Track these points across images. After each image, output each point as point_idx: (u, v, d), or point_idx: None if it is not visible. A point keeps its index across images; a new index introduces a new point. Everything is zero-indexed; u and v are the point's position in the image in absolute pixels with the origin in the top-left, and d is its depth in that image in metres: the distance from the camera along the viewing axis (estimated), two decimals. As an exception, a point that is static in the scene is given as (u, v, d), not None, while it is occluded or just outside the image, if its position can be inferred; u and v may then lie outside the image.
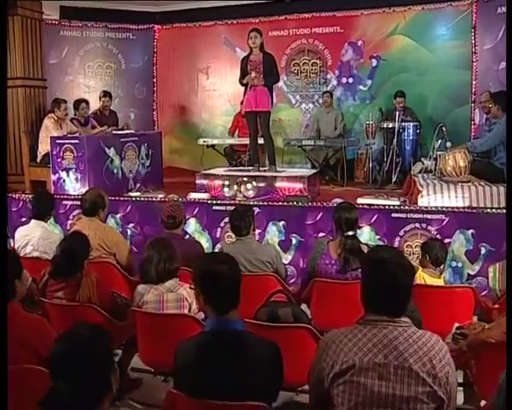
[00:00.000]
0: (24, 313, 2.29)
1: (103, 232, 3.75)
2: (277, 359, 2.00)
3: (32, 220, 4.05)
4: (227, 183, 5.63)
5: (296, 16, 8.01)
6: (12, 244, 6.08)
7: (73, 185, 6.13)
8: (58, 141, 6.19)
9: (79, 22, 8.05)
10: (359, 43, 7.83)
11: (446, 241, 4.85)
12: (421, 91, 7.52)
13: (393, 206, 4.96)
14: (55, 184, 6.22)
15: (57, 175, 6.20)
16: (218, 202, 5.29)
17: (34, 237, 3.89)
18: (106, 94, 7.39)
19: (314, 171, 6.41)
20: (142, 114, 8.60)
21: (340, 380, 1.80)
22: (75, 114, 7.00)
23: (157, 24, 8.62)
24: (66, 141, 6.16)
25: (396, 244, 4.82)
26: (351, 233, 3.51)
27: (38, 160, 6.62)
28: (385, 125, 6.97)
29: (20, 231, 3.89)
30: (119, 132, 6.85)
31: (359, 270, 3.56)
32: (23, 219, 6.04)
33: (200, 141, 7.51)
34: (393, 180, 6.75)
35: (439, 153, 5.37)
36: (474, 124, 7.23)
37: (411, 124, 6.93)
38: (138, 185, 6.85)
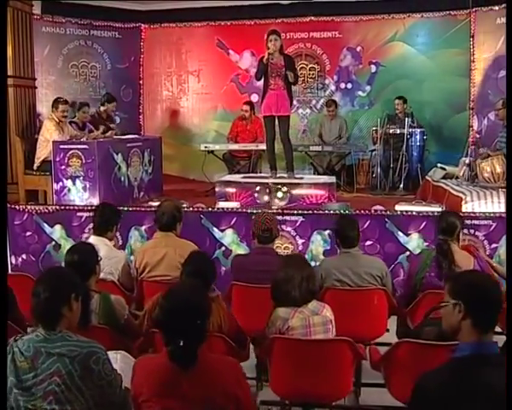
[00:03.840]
0: (215, 357, 1.92)
1: (183, 249, 3.33)
2: None
3: (92, 236, 3.59)
4: (263, 190, 5.37)
5: (294, 20, 7.84)
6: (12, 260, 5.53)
7: (80, 195, 5.60)
8: (62, 146, 5.62)
9: (62, 18, 7.45)
10: (358, 48, 7.81)
11: (493, 246, 4.93)
12: (420, 98, 7.61)
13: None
14: (58, 194, 5.66)
15: (60, 184, 5.63)
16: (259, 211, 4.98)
17: (97, 256, 3.43)
18: (113, 99, 6.82)
19: (333, 177, 6.29)
20: (129, 117, 8.09)
21: None
22: (73, 117, 6.43)
23: (144, 23, 8.15)
24: (73, 146, 5.61)
25: (444, 251, 4.79)
26: (442, 237, 3.43)
27: (36, 166, 5.99)
28: (391, 131, 6.98)
29: (80, 249, 3.39)
30: (125, 137, 6.38)
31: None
32: (28, 234, 5.45)
33: (202, 147, 7.14)
34: (401, 186, 6.79)
35: (471, 159, 5.43)
36: (473, 130, 7.41)
37: (418, 130, 6.99)
38: (142, 194, 6.44)
